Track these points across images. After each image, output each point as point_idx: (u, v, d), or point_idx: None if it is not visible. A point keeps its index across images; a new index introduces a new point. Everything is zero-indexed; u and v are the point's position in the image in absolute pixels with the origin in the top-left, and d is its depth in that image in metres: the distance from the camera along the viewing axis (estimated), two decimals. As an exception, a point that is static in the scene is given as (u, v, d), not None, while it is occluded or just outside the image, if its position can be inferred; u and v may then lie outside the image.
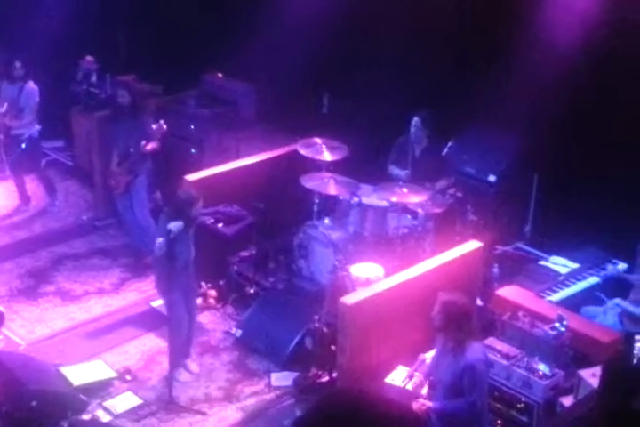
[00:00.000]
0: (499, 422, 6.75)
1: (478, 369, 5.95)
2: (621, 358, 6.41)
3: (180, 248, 7.26)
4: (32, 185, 10.96)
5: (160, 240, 7.23)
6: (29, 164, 10.58)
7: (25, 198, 10.76)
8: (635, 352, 6.36)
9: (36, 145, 10.55)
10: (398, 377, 6.94)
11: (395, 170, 9.12)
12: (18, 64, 10.19)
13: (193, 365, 7.95)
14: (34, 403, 6.96)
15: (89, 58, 11.66)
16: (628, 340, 6.59)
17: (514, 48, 8.86)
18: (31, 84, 10.27)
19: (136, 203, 9.38)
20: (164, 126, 8.95)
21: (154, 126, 8.93)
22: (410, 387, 6.56)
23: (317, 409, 2.84)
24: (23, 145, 10.22)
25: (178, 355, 7.72)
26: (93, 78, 11.59)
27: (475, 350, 5.99)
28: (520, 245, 9.28)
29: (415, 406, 6.09)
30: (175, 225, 7.16)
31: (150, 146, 9.05)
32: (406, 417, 2.85)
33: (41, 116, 10.51)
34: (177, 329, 7.62)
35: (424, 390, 6.43)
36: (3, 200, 10.66)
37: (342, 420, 2.70)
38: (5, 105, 10.17)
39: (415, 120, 8.87)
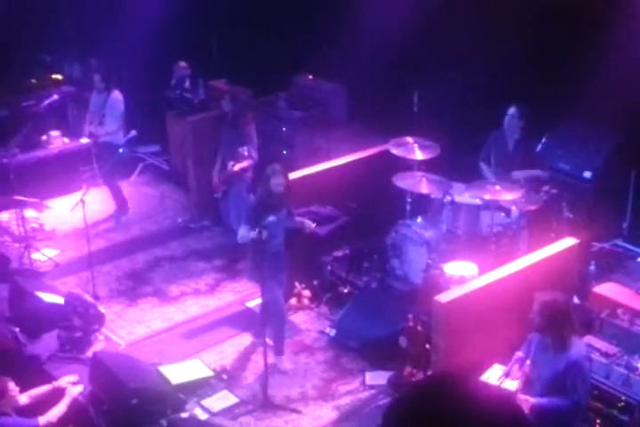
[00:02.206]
0: (598, 421, 6.63)
1: (583, 367, 5.89)
2: None
3: (270, 233, 7.46)
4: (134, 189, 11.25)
5: (242, 231, 7.55)
6: (122, 168, 10.82)
7: (122, 206, 10.83)
8: None
9: (133, 150, 10.78)
10: (494, 375, 6.86)
11: (485, 168, 9.05)
12: (97, 77, 10.47)
13: (286, 362, 8.00)
14: (134, 401, 7.12)
15: (182, 63, 11.85)
16: None
17: (611, 41, 8.68)
18: (115, 94, 10.49)
19: (232, 212, 9.64)
20: (246, 153, 9.30)
21: (240, 151, 9.18)
22: (506, 385, 6.49)
23: (412, 400, 2.61)
24: (121, 150, 10.43)
25: (281, 340, 7.89)
26: (187, 84, 11.78)
27: (578, 348, 5.93)
28: (618, 241, 9.10)
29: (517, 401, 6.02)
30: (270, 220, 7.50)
31: (238, 166, 9.31)
32: (519, 419, 2.59)
33: (136, 121, 10.74)
34: (278, 314, 7.83)
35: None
36: (101, 205, 10.87)
37: (441, 416, 2.48)
38: (88, 116, 10.49)
39: (512, 109, 8.78)
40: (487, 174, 8.97)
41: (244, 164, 9.34)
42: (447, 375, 2.64)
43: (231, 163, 9.30)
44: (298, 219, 8.04)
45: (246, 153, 9.29)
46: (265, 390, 7.50)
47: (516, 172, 8.72)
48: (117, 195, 10.76)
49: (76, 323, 8.22)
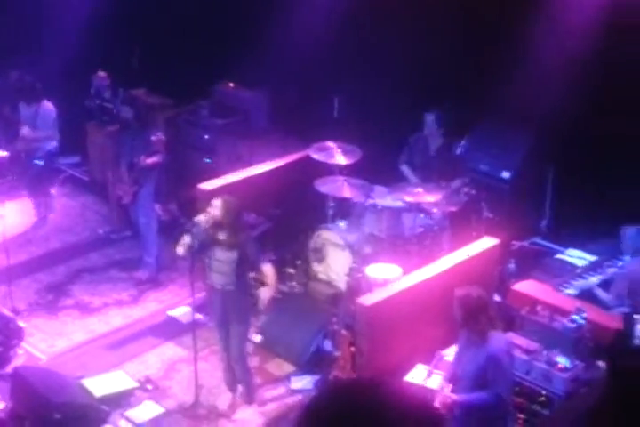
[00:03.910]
0: (521, 416, 6.68)
1: (501, 359, 5.93)
2: (622, 339, 6.40)
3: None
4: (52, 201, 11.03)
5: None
6: (47, 179, 10.66)
7: (41, 213, 10.76)
8: (636, 333, 6.34)
9: (53, 161, 10.64)
10: (418, 375, 6.90)
11: (406, 170, 9.08)
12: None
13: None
14: (57, 416, 6.99)
15: (101, 73, 11.72)
16: (628, 320, 6.56)
17: (524, 42, 8.81)
18: (46, 104, 10.40)
19: (141, 213, 9.45)
20: (163, 138, 9.08)
21: (153, 138, 9.01)
22: (429, 385, 6.52)
23: (326, 400, 2.59)
24: (41, 162, 10.28)
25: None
26: (106, 93, 11.65)
27: (497, 341, 5.97)
28: (536, 239, 9.21)
29: (439, 399, 6.05)
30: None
31: (151, 159, 9.13)
32: (430, 415, 2.59)
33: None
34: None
35: (446, 388, 6.38)
36: (18, 217, 10.69)
37: (353, 414, 2.46)
38: (26, 128, 10.32)
39: (430, 117, 8.85)
40: (410, 176, 9.02)
41: (156, 158, 9.15)
42: (361, 378, 2.68)
43: (142, 157, 9.10)
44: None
45: (162, 138, 9.09)
46: (197, 399, 7.43)
47: (453, 183, 8.77)
48: (40, 207, 10.65)
49: (-5, 338, 8.05)
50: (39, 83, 10.53)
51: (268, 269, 7.24)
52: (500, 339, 6.02)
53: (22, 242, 10.26)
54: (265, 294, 7.23)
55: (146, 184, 9.31)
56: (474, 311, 6.00)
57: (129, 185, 9.31)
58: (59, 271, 9.71)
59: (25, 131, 10.39)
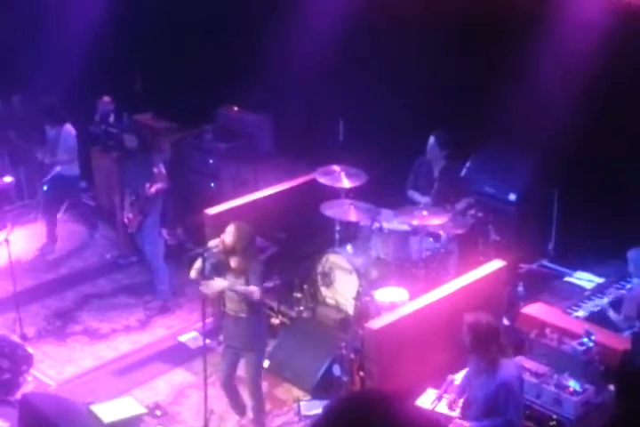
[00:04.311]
0: (531, 440, 6.68)
1: (513, 387, 5.95)
2: (631, 358, 6.41)
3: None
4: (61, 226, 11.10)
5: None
6: (58, 202, 10.78)
7: (52, 238, 10.84)
8: None
9: (72, 184, 10.76)
10: (428, 400, 6.88)
11: (415, 195, 9.10)
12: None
13: None
14: (66, 443, 6.96)
15: (106, 98, 11.80)
16: (636, 339, 6.57)
17: (528, 65, 8.86)
18: (67, 128, 10.54)
19: (147, 242, 9.46)
20: (164, 171, 9.18)
21: (155, 170, 9.07)
22: (440, 409, 6.52)
23: (333, 412, 2.64)
24: (45, 187, 10.34)
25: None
26: (111, 118, 11.73)
27: (508, 368, 5.98)
28: (544, 262, 9.22)
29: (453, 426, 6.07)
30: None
31: (155, 188, 9.15)
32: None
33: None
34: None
35: (456, 412, 6.39)
36: (26, 243, 10.74)
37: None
38: (47, 156, 10.53)
39: (431, 139, 8.88)
40: (419, 199, 9.01)
41: (160, 185, 9.19)
42: (373, 391, 2.69)
43: (147, 185, 9.13)
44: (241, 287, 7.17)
45: (163, 171, 9.17)
46: (206, 424, 7.41)
47: (458, 204, 8.80)
48: (52, 230, 10.74)
49: (4, 364, 8.03)
50: (60, 106, 10.66)
51: (254, 291, 7.08)
52: (511, 366, 6.03)
53: (31, 268, 10.29)
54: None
55: (151, 213, 9.33)
56: (483, 338, 6.00)
57: (134, 214, 9.34)
58: (67, 297, 9.73)
59: (41, 156, 10.55)
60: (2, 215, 10.78)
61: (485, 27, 9.09)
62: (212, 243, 7.11)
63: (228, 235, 7.03)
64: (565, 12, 8.56)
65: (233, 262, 7.09)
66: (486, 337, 6.01)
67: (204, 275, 7.02)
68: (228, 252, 7.06)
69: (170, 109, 12.02)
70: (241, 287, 7.05)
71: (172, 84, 12.44)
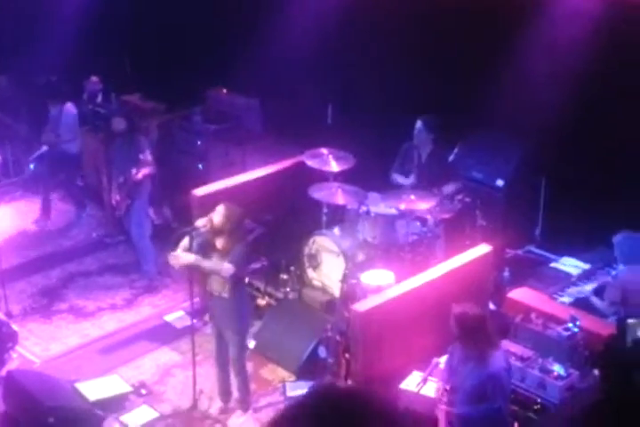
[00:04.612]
0: (515, 424, 6.72)
1: (502, 378, 6.02)
2: (615, 344, 6.47)
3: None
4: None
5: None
6: (65, 178, 10.83)
7: (46, 214, 10.87)
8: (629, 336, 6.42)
9: (76, 163, 10.81)
10: (413, 383, 6.93)
11: (398, 178, 9.12)
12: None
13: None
14: (51, 420, 6.99)
15: (94, 78, 11.76)
16: (621, 325, 6.63)
17: (519, 52, 8.88)
18: (68, 106, 10.59)
19: (133, 223, 9.46)
20: (149, 157, 9.17)
21: (141, 156, 9.06)
22: (424, 392, 6.56)
23: (301, 406, 2.64)
24: (32, 166, 10.33)
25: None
26: (99, 98, 11.69)
27: (497, 359, 6.03)
28: (531, 248, 9.28)
29: (439, 413, 6.12)
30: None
31: (142, 173, 9.16)
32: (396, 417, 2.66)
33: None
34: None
35: (441, 395, 6.43)
36: (12, 221, 10.71)
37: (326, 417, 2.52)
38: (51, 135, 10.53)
39: (418, 123, 8.89)
40: (403, 181, 9.03)
41: (146, 170, 9.20)
42: (338, 388, 2.72)
43: (133, 171, 9.13)
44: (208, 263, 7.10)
45: (149, 157, 9.18)
46: (195, 403, 7.43)
47: (445, 187, 8.82)
48: (47, 205, 10.84)
49: (-11, 342, 8.05)
50: (65, 85, 10.62)
51: (222, 267, 7.04)
52: (500, 357, 6.07)
53: (16, 245, 10.25)
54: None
55: (138, 197, 9.34)
56: (470, 329, 6.05)
57: (121, 197, 9.33)
58: (53, 275, 9.71)
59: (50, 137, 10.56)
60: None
61: (477, 12, 9.10)
62: (199, 222, 7.10)
63: (217, 215, 7.02)
64: (558, 4, 8.59)
65: (219, 243, 7.08)
66: (473, 328, 6.05)
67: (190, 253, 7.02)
68: (216, 232, 7.04)
69: (158, 90, 11.98)
70: (208, 263, 7.02)
71: (161, 66, 12.41)
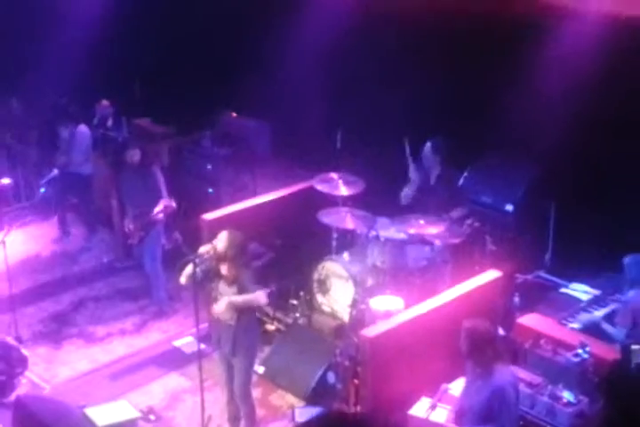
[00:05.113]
0: (525, 451, 6.69)
1: (507, 392, 5.97)
2: (619, 369, 6.44)
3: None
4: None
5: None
6: (78, 201, 11.00)
7: (65, 232, 11.04)
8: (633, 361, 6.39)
9: (88, 184, 10.91)
10: (422, 409, 6.90)
11: (404, 191, 9.08)
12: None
13: None
14: (59, 445, 6.97)
15: (104, 102, 11.83)
16: (625, 350, 6.59)
17: (529, 75, 8.92)
18: (81, 128, 10.69)
19: (147, 254, 9.43)
20: (169, 203, 9.12)
21: (161, 204, 9.05)
22: (433, 418, 6.54)
23: None
24: (42, 189, 10.41)
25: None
26: (109, 122, 11.75)
27: (503, 374, 6.01)
28: (540, 273, 9.25)
29: None
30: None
31: (162, 212, 9.13)
32: None
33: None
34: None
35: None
36: (23, 245, 10.76)
37: None
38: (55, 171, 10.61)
39: (426, 146, 8.91)
40: (407, 193, 8.98)
41: (166, 208, 9.15)
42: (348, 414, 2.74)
43: (156, 210, 9.08)
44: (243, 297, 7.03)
45: (172, 202, 9.14)
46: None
47: (453, 212, 8.81)
48: (64, 224, 11.02)
49: (-1, 367, 8.07)
50: (74, 107, 10.72)
51: (258, 296, 7.07)
52: (505, 372, 6.05)
53: (27, 270, 10.31)
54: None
55: (152, 229, 9.31)
56: (480, 343, 6.04)
57: (135, 228, 9.31)
58: (63, 300, 9.73)
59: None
60: (-1, 216, 10.85)
61: (487, 38, 9.14)
62: (202, 249, 7.08)
63: (220, 241, 7.01)
64: (567, 23, 8.62)
65: (224, 269, 7.05)
66: (482, 342, 6.04)
67: (195, 281, 6.99)
68: (220, 258, 7.03)
69: (168, 114, 12.05)
70: (244, 297, 7.00)
71: (171, 90, 12.49)
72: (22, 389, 8.08)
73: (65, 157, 10.61)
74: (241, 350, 7.17)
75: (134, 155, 9.27)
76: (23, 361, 8.20)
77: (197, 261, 6.95)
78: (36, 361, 8.53)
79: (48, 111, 11.19)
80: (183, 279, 7.08)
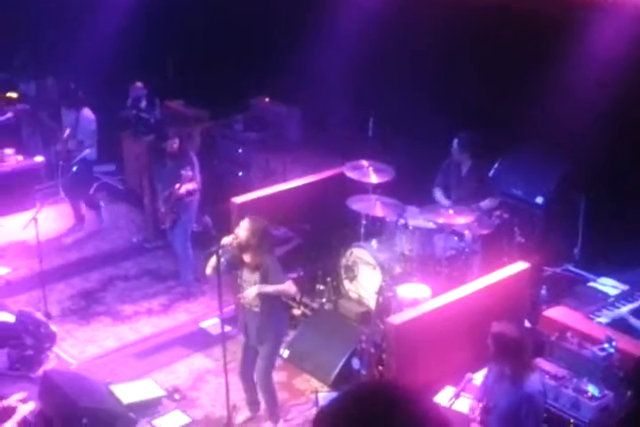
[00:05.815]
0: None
1: (537, 400, 5.97)
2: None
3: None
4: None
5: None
6: (81, 185, 10.81)
7: (80, 217, 10.99)
8: None
9: (89, 168, 10.78)
10: (445, 398, 6.92)
11: (438, 194, 9.12)
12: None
13: None
14: (85, 420, 7.06)
15: (138, 84, 11.87)
16: None
17: (562, 68, 8.86)
18: (85, 112, 10.57)
19: (178, 238, 9.47)
20: (190, 173, 9.11)
21: (182, 172, 9.05)
22: (457, 407, 6.55)
23: (347, 400, 2.56)
24: (74, 168, 10.44)
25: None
26: (143, 104, 11.80)
27: (533, 382, 5.98)
28: (569, 266, 9.23)
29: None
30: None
31: (185, 189, 9.14)
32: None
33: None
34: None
35: (475, 413, 6.40)
36: (54, 223, 10.87)
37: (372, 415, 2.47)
38: (68, 131, 10.46)
39: (454, 142, 8.92)
40: (442, 200, 9.06)
41: (190, 186, 9.19)
42: (380, 383, 2.67)
43: (177, 185, 9.13)
44: (274, 287, 7.09)
45: (190, 173, 9.14)
46: (227, 413, 7.44)
47: (483, 203, 8.82)
48: (78, 210, 10.88)
49: (27, 341, 8.16)
50: (81, 90, 10.71)
51: (288, 287, 7.16)
52: (536, 379, 6.02)
53: (57, 247, 10.41)
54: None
55: (183, 213, 9.33)
56: (507, 350, 6.00)
57: (166, 211, 9.36)
58: (92, 278, 9.84)
59: (69, 145, 10.56)
60: (31, 195, 10.93)
61: (520, 30, 9.09)
62: (225, 240, 7.08)
63: (242, 230, 7.02)
64: (602, 16, 8.56)
65: (247, 257, 7.08)
66: (509, 350, 6.01)
67: (219, 272, 7.02)
68: (242, 247, 7.05)
69: (201, 97, 12.08)
70: (275, 287, 7.05)
71: (205, 73, 12.51)
72: (50, 364, 8.19)
73: (75, 141, 10.52)
74: (268, 338, 7.21)
75: (174, 143, 9.29)
76: (51, 337, 8.31)
77: (220, 251, 6.96)
78: (64, 337, 8.63)
79: (55, 96, 11.19)
80: (208, 271, 7.13)
